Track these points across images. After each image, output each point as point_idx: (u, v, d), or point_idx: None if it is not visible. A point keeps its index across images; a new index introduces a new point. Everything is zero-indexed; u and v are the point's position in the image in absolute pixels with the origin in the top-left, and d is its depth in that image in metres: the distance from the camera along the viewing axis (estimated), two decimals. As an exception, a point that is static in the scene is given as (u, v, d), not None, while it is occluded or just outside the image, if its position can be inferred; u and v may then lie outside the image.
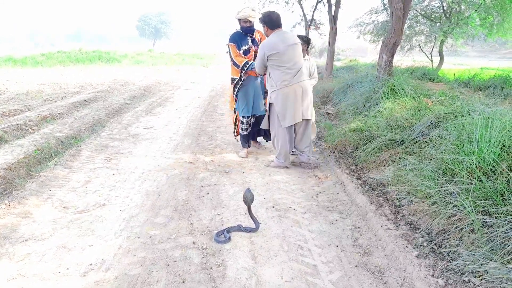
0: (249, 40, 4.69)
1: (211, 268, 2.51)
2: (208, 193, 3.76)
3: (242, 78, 4.66)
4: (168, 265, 2.53)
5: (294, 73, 4.18)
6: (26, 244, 2.78)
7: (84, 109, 7.75)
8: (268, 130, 4.92)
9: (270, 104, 4.39)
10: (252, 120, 4.96)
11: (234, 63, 4.61)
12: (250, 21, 4.58)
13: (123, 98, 9.34)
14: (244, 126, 4.88)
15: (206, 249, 2.74)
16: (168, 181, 4.08)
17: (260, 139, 5.44)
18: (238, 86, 4.72)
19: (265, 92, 4.84)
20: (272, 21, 4.21)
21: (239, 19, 4.60)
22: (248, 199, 2.97)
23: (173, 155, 5.00)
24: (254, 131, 5.11)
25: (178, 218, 3.22)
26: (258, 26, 4.71)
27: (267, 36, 4.31)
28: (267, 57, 4.17)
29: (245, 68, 4.57)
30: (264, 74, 4.55)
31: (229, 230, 2.95)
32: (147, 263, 2.56)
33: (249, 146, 5.15)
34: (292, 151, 4.63)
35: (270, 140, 4.84)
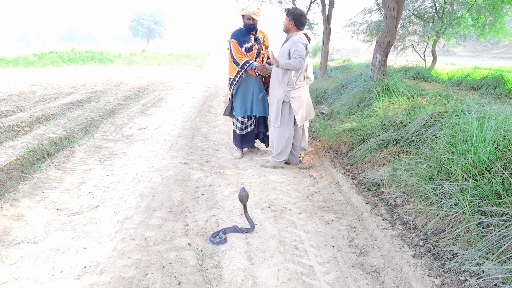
0: (252, 38, 4.55)
1: (206, 269, 2.49)
2: (203, 194, 3.74)
3: (242, 76, 4.54)
4: (164, 267, 2.51)
5: (304, 73, 4.39)
6: (19, 247, 2.74)
7: (77, 110, 7.68)
8: (266, 135, 4.95)
9: (283, 102, 4.32)
10: (252, 121, 4.84)
11: (234, 61, 4.50)
12: (253, 19, 4.46)
13: (117, 99, 9.27)
14: (239, 125, 4.79)
15: (201, 250, 2.72)
16: (163, 182, 4.05)
17: (261, 146, 5.28)
18: (234, 83, 4.61)
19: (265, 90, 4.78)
20: (301, 21, 4.19)
21: (243, 16, 4.48)
22: (243, 198, 2.98)
23: (167, 156, 4.97)
24: (252, 134, 4.95)
25: (173, 220, 3.20)
26: (261, 27, 4.68)
27: (288, 31, 4.24)
28: None
29: (245, 67, 4.49)
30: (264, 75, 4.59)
31: (224, 231, 2.94)
32: (142, 265, 2.53)
33: (245, 148, 5.11)
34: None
35: (269, 145, 4.86)
